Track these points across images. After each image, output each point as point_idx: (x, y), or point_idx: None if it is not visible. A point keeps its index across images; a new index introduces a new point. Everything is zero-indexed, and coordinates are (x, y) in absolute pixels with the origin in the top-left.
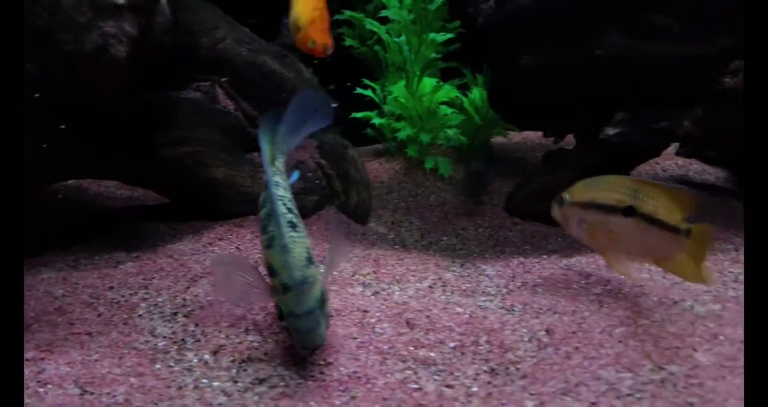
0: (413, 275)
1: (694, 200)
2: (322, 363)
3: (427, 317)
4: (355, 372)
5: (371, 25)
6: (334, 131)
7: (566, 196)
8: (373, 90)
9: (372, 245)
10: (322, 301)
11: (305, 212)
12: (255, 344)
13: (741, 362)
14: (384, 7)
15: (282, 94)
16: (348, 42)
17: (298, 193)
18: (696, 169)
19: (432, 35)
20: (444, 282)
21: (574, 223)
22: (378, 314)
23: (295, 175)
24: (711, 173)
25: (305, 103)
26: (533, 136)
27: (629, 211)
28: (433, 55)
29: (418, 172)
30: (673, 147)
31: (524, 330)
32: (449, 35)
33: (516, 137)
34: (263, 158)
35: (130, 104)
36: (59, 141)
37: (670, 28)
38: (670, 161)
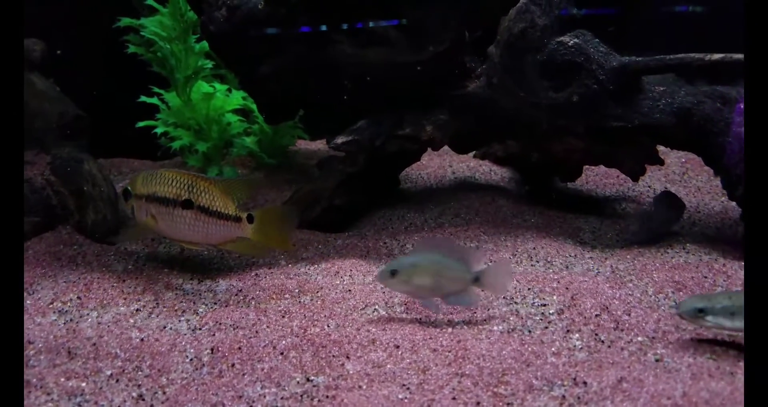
0: (125, 298)
1: (247, 188)
2: None
3: (94, 344)
4: None
5: (147, 33)
6: (72, 144)
7: (129, 188)
8: (161, 98)
9: (100, 267)
10: None
11: None
12: None
13: (384, 369)
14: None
15: None
16: (131, 49)
17: None
18: (484, 170)
19: (202, 44)
20: (159, 303)
21: (142, 213)
22: (41, 345)
23: None
24: (498, 173)
25: None
26: None
27: (188, 204)
28: (207, 63)
29: None
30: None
31: (192, 350)
32: None
33: (318, 144)
34: None
35: None
36: None
37: (388, 36)
38: (463, 164)
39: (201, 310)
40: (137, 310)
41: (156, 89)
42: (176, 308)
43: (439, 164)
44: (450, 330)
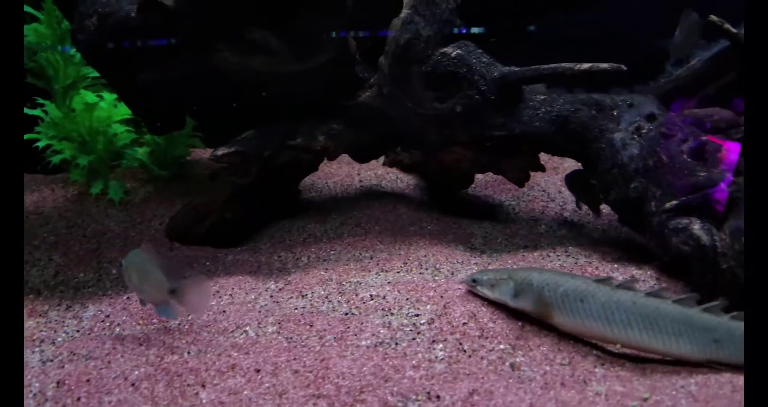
0: None
1: None
2: None
3: None
4: None
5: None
6: None
7: None
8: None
9: None
10: None
11: None
12: None
13: (240, 396)
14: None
15: None
16: None
17: None
18: (391, 177)
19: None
20: None
21: None
22: None
23: None
24: (404, 181)
25: None
26: None
27: None
28: (90, 71)
29: (91, 198)
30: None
31: (37, 384)
32: None
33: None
34: None
35: None
36: None
37: (270, 44)
38: (371, 172)
39: (60, 339)
40: None
41: (41, 100)
42: (34, 338)
43: (347, 173)
44: (318, 348)
